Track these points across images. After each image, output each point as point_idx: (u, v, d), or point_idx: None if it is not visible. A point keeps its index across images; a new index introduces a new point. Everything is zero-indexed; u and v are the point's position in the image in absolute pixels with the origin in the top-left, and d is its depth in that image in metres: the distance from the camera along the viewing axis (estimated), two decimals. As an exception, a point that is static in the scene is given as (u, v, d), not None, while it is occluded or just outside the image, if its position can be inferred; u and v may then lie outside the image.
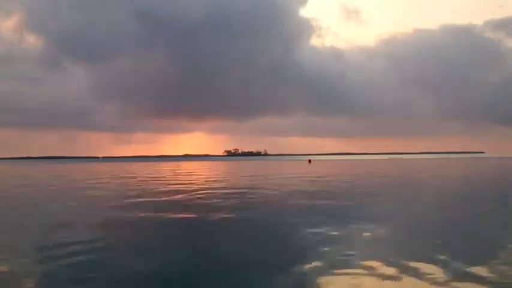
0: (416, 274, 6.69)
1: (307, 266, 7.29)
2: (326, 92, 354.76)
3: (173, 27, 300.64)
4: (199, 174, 45.10)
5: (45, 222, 12.53)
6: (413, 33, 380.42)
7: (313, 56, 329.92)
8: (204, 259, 7.92)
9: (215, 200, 17.26)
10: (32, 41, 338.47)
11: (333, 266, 7.17)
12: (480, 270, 6.84)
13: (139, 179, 35.57)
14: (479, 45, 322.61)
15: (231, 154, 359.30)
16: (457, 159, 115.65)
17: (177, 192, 21.27)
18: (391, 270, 6.90)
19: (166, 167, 71.79)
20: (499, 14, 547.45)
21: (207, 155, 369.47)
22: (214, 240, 9.67)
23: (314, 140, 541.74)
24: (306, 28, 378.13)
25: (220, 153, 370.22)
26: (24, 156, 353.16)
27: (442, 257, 7.62)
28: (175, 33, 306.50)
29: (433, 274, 6.67)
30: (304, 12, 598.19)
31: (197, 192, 21.02)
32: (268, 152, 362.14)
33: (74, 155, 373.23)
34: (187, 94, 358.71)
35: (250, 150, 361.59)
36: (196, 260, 7.81)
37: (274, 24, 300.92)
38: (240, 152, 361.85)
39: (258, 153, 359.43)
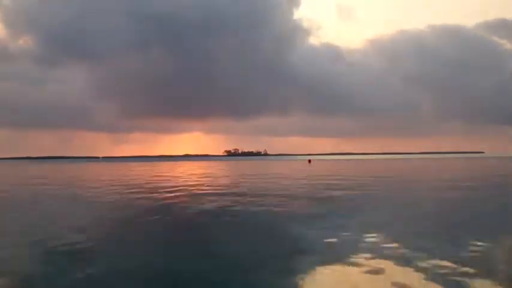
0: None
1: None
2: (325, 92, 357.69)
3: (172, 27, 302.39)
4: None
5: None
6: (412, 33, 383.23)
7: (311, 56, 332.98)
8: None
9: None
10: (30, 40, 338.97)
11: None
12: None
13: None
14: (479, 46, 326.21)
15: (231, 154, 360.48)
16: (457, 159, 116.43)
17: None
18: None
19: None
20: (496, 15, 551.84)
21: (207, 155, 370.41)
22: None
23: (314, 140, 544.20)
24: (302, 28, 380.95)
25: (220, 153, 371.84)
26: (24, 156, 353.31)
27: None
28: (173, 33, 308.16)
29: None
30: (301, 12, 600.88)
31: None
32: (268, 152, 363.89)
33: (73, 155, 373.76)
34: (187, 94, 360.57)
35: (250, 150, 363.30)
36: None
37: (272, 24, 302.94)
38: (240, 152, 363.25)
39: (258, 153, 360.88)
